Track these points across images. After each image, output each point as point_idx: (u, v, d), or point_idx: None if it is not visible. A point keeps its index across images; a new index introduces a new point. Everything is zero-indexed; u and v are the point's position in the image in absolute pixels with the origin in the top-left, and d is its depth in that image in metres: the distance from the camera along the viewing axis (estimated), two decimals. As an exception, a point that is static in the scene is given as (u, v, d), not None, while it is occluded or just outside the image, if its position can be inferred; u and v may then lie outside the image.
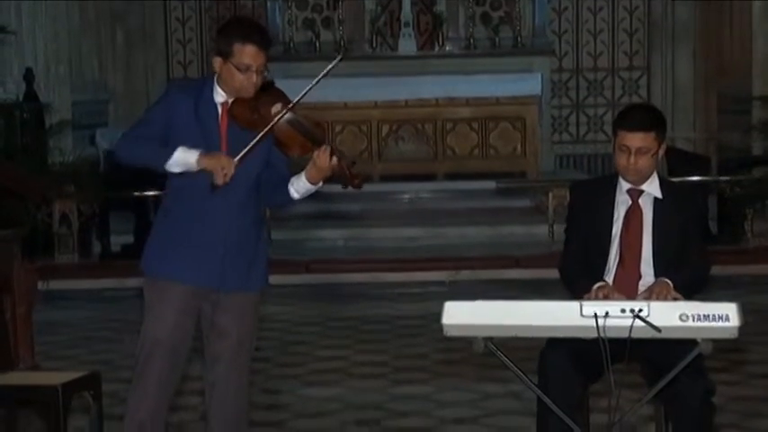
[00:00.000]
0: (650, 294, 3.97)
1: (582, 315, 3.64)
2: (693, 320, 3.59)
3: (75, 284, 9.17)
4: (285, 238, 10.88)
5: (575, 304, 3.70)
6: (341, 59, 4.47)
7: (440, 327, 3.77)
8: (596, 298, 3.97)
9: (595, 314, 3.62)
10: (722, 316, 3.58)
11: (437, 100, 12.82)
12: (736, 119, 11.91)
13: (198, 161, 4.07)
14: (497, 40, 13.60)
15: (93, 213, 10.07)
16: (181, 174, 4.13)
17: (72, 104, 11.35)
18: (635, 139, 4.15)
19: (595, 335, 3.61)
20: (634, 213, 4.21)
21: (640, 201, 4.23)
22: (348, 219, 11.35)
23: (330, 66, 4.25)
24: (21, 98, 10.25)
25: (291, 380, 6.81)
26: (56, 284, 7.91)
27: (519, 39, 13.55)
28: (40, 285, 6.62)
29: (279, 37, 13.69)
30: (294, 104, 4.15)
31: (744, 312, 3.60)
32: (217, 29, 4.24)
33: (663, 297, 3.91)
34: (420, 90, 12.81)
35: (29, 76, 10.55)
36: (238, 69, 4.08)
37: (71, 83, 11.65)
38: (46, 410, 4.62)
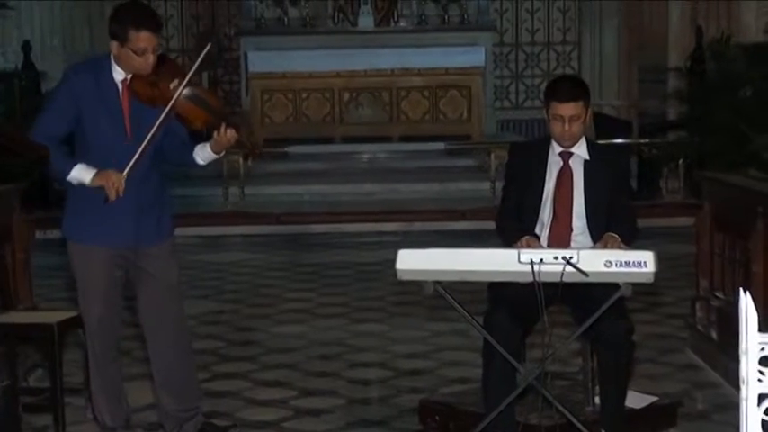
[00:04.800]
0: (604, 246, 3.97)
1: (520, 262, 3.65)
2: (616, 266, 3.61)
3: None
4: (258, 193, 10.84)
5: (513, 252, 3.70)
6: (210, 47, 4.28)
7: (394, 272, 3.76)
8: (522, 246, 3.96)
9: (531, 261, 3.63)
10: (641, 262, 3.60)
11: (392, 70, 12.78)
12: (654, 88, 11.93)
13: (91, 180, 3.99)
14: (446, 17, 13.53)
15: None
16: (88, 137, 4.02)
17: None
18: (567, 109, 4.13)
19: (531, 279, 3.63)
20: (565, 173, 4.21)
21: (571, 162, 4.23)
22: (313, 176, 11.32)
23: (204, 51, 4.09)
24: (19, 67, 10.10)
25: (262, 319, 6.78)
26: (53, 233, 7.80)
27: (465, 16, 13.49)
28: (39, 234, 6.55)
29: (251, 13, 13.56)
30: (188, 80, 3.95)
31: (659, 259, 3.62)
32: (110, 13, 4.02)
33: (615, 248, 3.91)
34: (377, 61, 12.76)
35: (26, 47, 10.37)
36: (135, 53, 3.93)
37: (64, 53, 11.47)
38: (43, 346, 4.59)
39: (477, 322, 3.94)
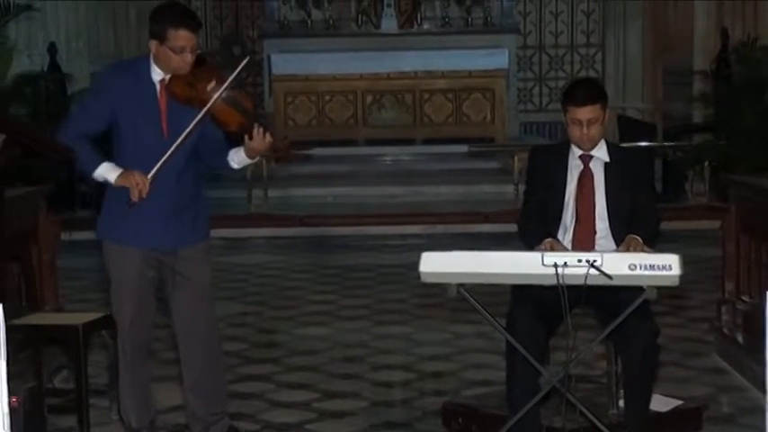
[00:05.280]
0: (626, 248, 3.97)
1: (543, 264, 3.64)
2: (641, 269, 3.60)
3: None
4: (281, 195, 10.88)
5: (537, 255, 3.70)
6: (248, 60, 4.32)
7: (417, 274, 3.77)
8: (545, 249, 3.96)
9: (555, 264, 3.63)
10: (665, 266, 3.59)
11: (416, 73, 12.79)
12: (679, 90, 11.89)
13: (115, 180, 4.02)
14: (470, 19, 13.53)
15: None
16: (124, 137, 4.04)
17: (90, 75, 11.24)
18: (585, 113, 4.12)
19: (555, 282, 3.62)
20: (586, 176, 4.20)
21: (591, 165, 4.21)
22: (337, 178, 11.34)
23: (242, 63, 4.11)
24: (45, 69, 10.16)
25: (286, 321, 6.80)
26: (79, 235, 7.85)
27: (489, 18, 13.49)
28: (65, 236, 6.61)
29: (275, 15, 13.60)
30: (228, 84, 3.97)
31: (684, 263, 3.61)
32: (150, 13, 4.08)
33: (638, 250, 3.91)
34: (400, 64, 12.77)
35: (52, 49, 10.43)
36: (174, 51, 3.96)
37: (89, 55, 11.54)
38: (68, 347, 4.62)
39: (501, 325, 3.93)
